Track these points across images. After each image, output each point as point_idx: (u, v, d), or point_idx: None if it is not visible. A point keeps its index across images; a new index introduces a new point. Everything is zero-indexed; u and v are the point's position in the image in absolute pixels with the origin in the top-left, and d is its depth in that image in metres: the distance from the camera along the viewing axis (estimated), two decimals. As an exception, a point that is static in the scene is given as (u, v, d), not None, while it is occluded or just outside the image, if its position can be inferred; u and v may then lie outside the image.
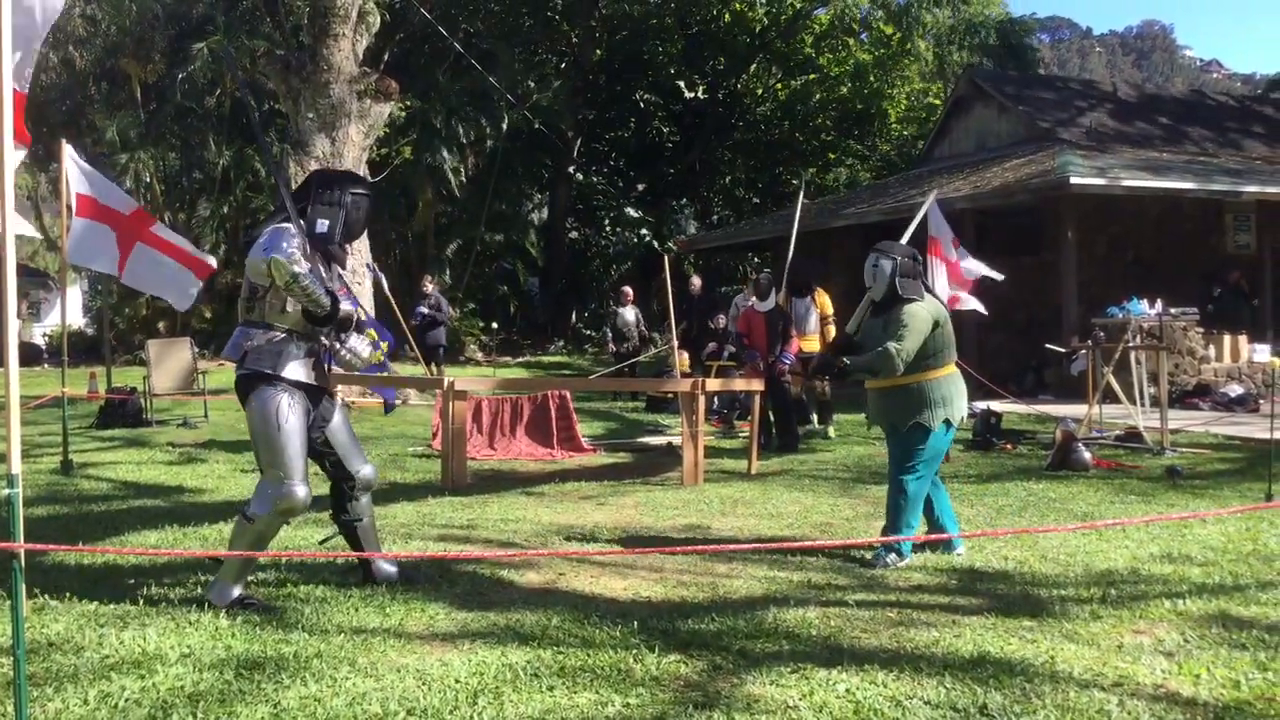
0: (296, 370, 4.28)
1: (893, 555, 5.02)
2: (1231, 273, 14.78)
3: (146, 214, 9.12)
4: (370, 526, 4.65)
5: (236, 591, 4.22)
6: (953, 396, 5.16)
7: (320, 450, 4.49)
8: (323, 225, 4.34)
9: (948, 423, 5.14)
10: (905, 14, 26.59)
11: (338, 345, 4.39)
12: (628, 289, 16.76)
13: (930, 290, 5.39)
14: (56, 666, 3.53)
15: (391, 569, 4.63)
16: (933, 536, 5.20)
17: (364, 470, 4.58)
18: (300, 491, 4.22)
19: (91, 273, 8.87)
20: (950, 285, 8.86)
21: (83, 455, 8.98)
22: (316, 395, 4.41)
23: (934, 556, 5.13)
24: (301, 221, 4.33)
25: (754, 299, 10.43)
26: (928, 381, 5.10)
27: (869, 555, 5.10)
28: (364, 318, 4.57)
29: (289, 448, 4.21)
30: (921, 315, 5.08)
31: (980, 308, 9.51)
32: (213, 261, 9.34)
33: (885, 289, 5.18)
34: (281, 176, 4.97)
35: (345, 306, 4.32)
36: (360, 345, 4.44)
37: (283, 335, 4.29)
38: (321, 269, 4.33)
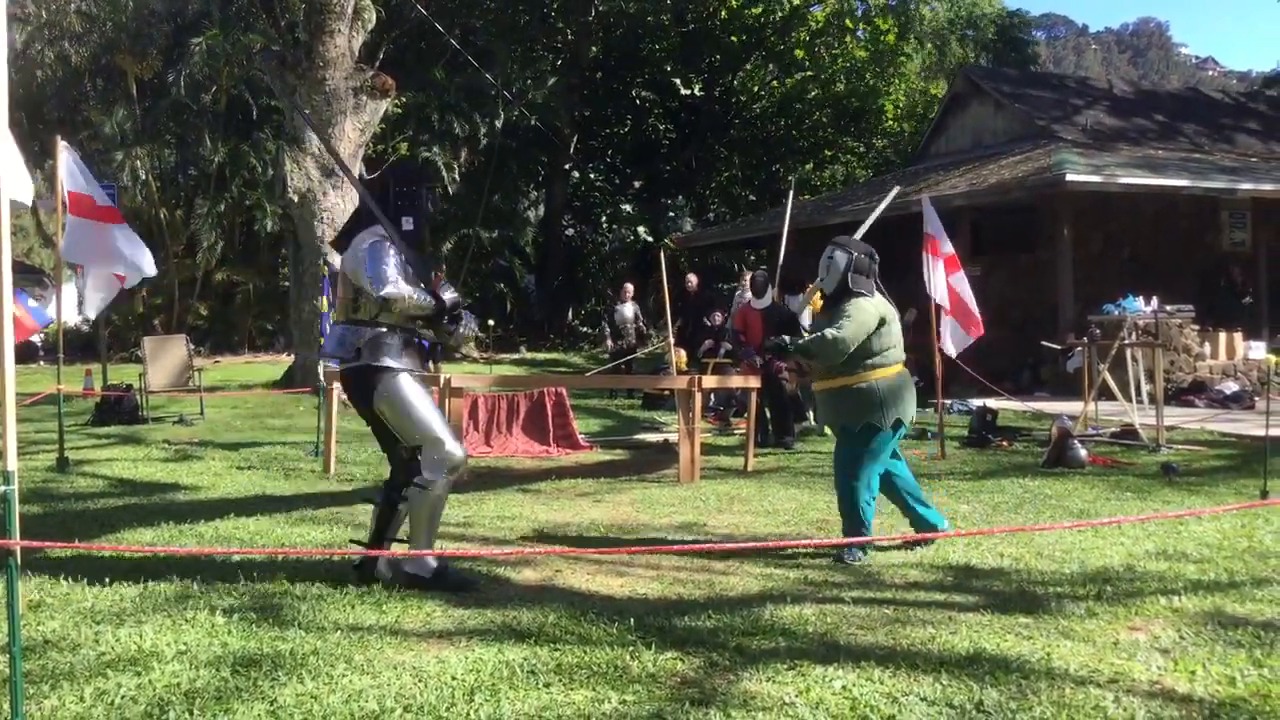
0: (404, 361, 4.60)
1: (858, 551, 5.03)
2: (1227, 270, 14.82)
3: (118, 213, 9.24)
4: (404, 513, 4.73)
5: (434, 561, 4.50)
6: (903, 396, 5.17)
7: None
8: (409, 223, 4.64)
9: (899, 423, 5.15)
10: (903, 8, 26.58)
11: (452, 328, 4.65)
12: (629, 285, 16.67)
13: (882, 290, 5.35)
14: (53, 664, 3.52)
15: (386, 571, 4.63)
16: (926, 535, 5.21)
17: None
18: (458, 450, 4.56)
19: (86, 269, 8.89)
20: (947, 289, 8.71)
21: (78, 452, 8.97)
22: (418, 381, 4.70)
23: (928, 553, 5.13)
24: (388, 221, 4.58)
25: (750, 296, 10.44)
26: (876, 381, 5.11)
27: (845, 555, 5.07)
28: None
29: (429, 416, 4.54)
30: (868, 309, 5.09)
31: (953, 344, 8.71)
32: (151, 269, 9.28)
33: (836, 282, 5.20)
34: (363, 189, 5.01)
35: (449, 296, 4.61)
36: (471, 321, 4.77)
37: (386, 329, 4.58)
38: (414, 266, 4.59)
